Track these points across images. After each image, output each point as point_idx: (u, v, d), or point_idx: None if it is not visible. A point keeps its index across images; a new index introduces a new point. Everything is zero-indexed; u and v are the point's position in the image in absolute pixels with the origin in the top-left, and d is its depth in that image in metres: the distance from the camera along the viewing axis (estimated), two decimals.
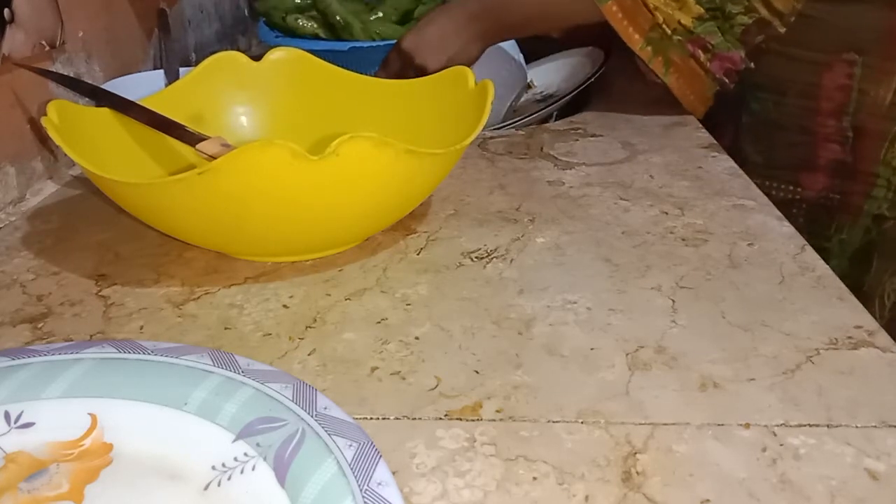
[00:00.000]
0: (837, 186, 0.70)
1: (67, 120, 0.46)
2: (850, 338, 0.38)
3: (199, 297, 0.43)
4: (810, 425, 0.32)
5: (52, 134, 0.44)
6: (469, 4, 0.70)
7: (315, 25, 0.86)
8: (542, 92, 0.91)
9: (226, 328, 0.40)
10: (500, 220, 0.52)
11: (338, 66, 0.59)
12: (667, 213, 0.52)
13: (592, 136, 0.69)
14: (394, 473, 0.27)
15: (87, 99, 0.56)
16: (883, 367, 0.35)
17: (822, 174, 0.71)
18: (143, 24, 0.78)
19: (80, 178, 0.62)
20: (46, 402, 0.30)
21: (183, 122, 0.51)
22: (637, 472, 0.29)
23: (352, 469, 0.26)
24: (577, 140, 0.68)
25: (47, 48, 0.59)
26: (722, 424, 0.32)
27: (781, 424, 0.32)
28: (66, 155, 0.48)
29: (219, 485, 0.27)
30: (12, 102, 0.57)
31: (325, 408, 0.30)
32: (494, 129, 0.74)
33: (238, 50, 0.71)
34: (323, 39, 0.86)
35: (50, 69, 0.60)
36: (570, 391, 0.34)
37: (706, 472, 0.29)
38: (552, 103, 0.80)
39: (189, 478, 0.28)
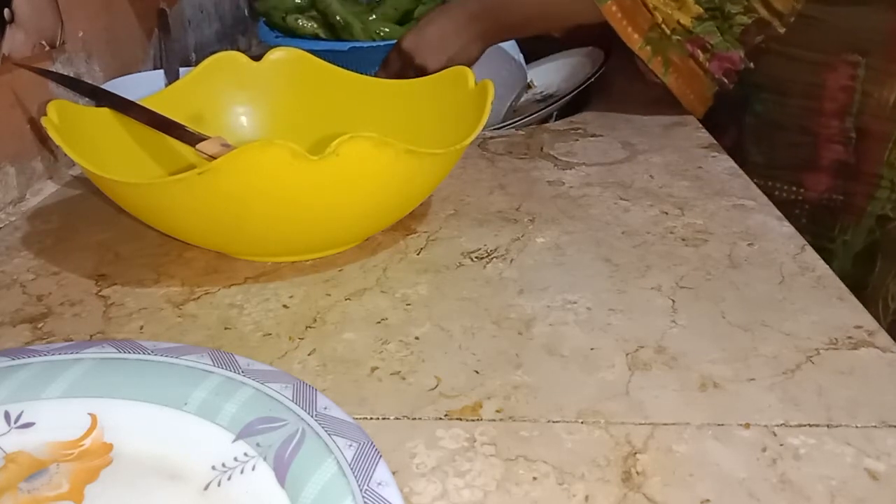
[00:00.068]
0: (840, 187, 0.70)
1: (67, 120, 0.46)
2: (850, 338, 0.38)
3: (199, 297, 0.43)
4: (810, 425, 0.32)
5: (52, 134, 0.44)
6: (469, 4, 0.70)
7: (315, 25, 0.86)
8: (542, 92, 0.91)
9: (226, 328, 0.40)
10: (500, 220, 0.52)
11: (338, 66, 0.59)
12: (667, 213, 0.52)
13: (592, 136, 0.69)
14: (394, 473, 0.27)
15: (87, 99, 0.56)
16: (883, 367, 0.35)
17: (826, 175, 0.70)
18: (143, 24, 0.78)
19: (80, 178, 0.62)
20: (46, 402, 0.30)
21: (183, 122, 0.51)
22: (637, 472, 0.29)
23: (352, 469, 0.26)
24: (577, 140, 0.68)
25: (47, 48, 0.59)
26: (722, 424, 0.32)
27: (781, 424, 0.32)
28: (66, 155, 0.48)
29: (219, 485, 0.27)
30: (12, 102, 0.57)
31: (325, 408, 0.30)
32: (494, 129, 0.74)
33: (238, 50, 0.71)
34: (323, 39, 0.86)
35: (50, 69, 0.60)
36: (570, 391, 0.34)
37: (706, 472, 0.29)
38: (552, 103, 0.80)
39: (189, 478, 0.28)
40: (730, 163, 0.61)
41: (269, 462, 0.27)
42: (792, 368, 0.35)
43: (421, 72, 0.68)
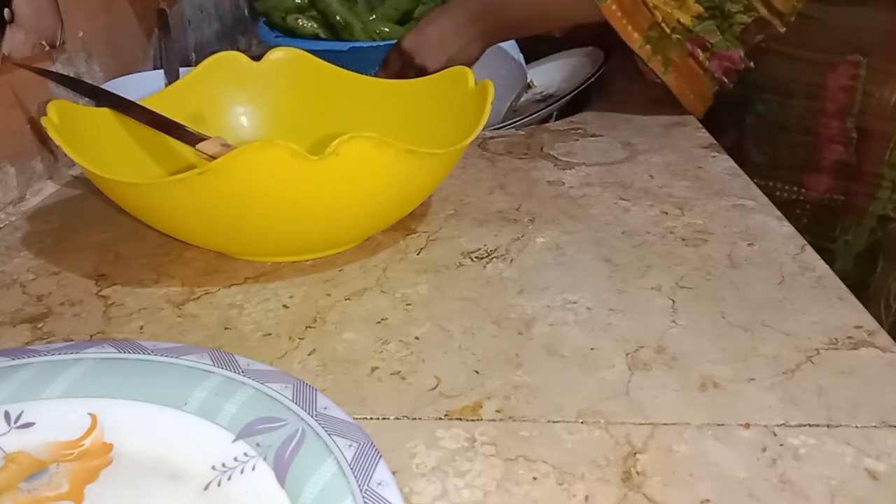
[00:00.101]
0: (842, 188, 0.70)
1: (67, 120, 0.46)
2: (850, 338, 0.38)
3: (199, 297, 0.43)
4: (810, 425, 0.32)
5: (52, 134, 0.44)
6: (469, 4, 0.70)
7: (315, 25, 0.86)
8: (542, 92, 0.91)
9: (226, 328, 0.40)
10: (500, 220, 0.52)
11: (338, 66, 0.59)
12: (667, 213, 0.52)
13: (592, 136, 0.69)
14: (394, 473, 0.27)
15: (87, 99, 0.56)
16: (883, 367, 0.35)
17: (827, 175, 0.70)
18: (143, 24, 0.78)
19: (80, 178, 0.62)
20: (46, 402, 0.30)
21: (183, 122, 0.51)
22: (637, 472, 0.29)
23: (352, 469, 0.26)
24: (577, 140, 0.68)
25: (47, 48, 0.59)
26: (722, 424, 0.32)
27: (781, 424, 0.32)
28: (66, 155, 0.48)
29: (219, 485, 0.27)
30: (12, 102, 0.57)
31: (325, 408, 0.30)
32: (494, 129, 0.74)
33: (238, 50, 0.71)
34: (323, 39, 0.86)
35: (50, 69, 0.60)
36: (570, 391, 0.34)
37: (706, 472, 0.29)
38: (552, 103, 0.80)
39: (189, 478, 0.28)
40: (730, 163, 0.61)
41: (269, 462, 0.27)
42: (792, 368, 0.35)
43: (421, 72, 0.68)
